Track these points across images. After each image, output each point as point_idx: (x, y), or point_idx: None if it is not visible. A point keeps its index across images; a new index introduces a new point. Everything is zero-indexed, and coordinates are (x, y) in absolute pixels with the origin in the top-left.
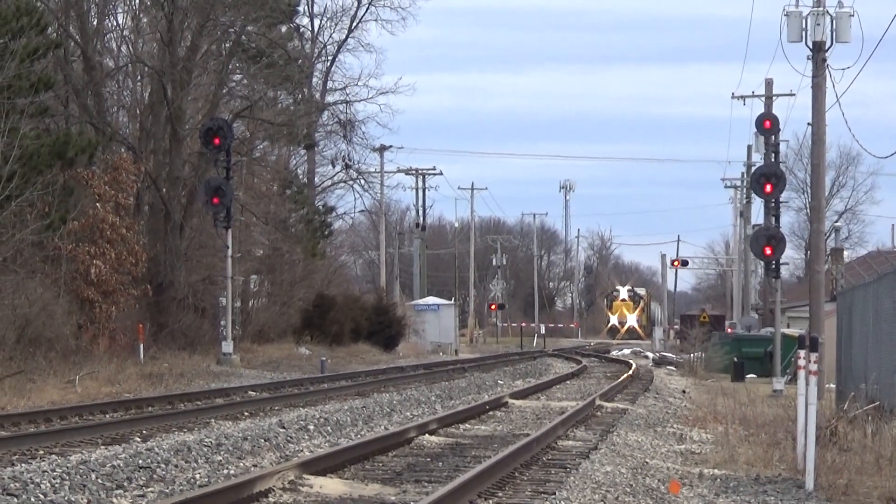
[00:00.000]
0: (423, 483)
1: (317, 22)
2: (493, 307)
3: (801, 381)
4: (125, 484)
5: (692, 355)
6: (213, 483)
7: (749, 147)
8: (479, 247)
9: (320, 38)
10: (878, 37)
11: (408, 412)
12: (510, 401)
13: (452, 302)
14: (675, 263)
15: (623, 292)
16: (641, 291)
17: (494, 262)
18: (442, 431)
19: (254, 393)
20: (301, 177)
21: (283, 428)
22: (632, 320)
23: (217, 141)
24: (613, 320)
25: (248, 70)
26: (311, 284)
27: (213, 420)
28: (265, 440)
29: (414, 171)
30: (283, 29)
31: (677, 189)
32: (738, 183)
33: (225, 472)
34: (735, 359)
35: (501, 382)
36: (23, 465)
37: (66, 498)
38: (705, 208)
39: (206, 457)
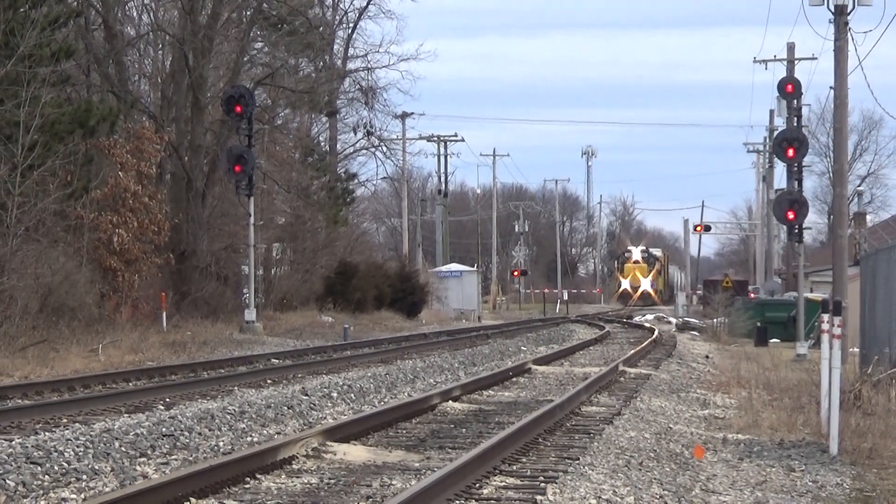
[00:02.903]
0: (447, 450)
1: None
2: (516, 273)
3: (824, 346)
4: (149, 452)
5: (715, 320)
6: (237, 450)
7: (771, 111)
8: (502, 213)
9: (341, 6)
10: None
11: (431, 379)
12: (533, 367)
13: (475, 269)
14: (698, 228)
15: (636, 253)
16: (657, 252)
17: (517, 229)
18: (465, 398)
19: (277, 361)
20: (323, 144)
21: (307, 395)
22: (646, 284)
23: (239, 109)
24: (625, 284)
25: (270, 38)
26: (334, 252)
27: (236, 388)
28: (288, 408)
29: (436, 138)
30: None
31: (700, 154)
32: (761, 147)
33: (248, 439)
34: (758, 324)
35: (524, 349)
36: (46, 433)
37: (89, 466)
38: (728, 173)
39: (229, 424)
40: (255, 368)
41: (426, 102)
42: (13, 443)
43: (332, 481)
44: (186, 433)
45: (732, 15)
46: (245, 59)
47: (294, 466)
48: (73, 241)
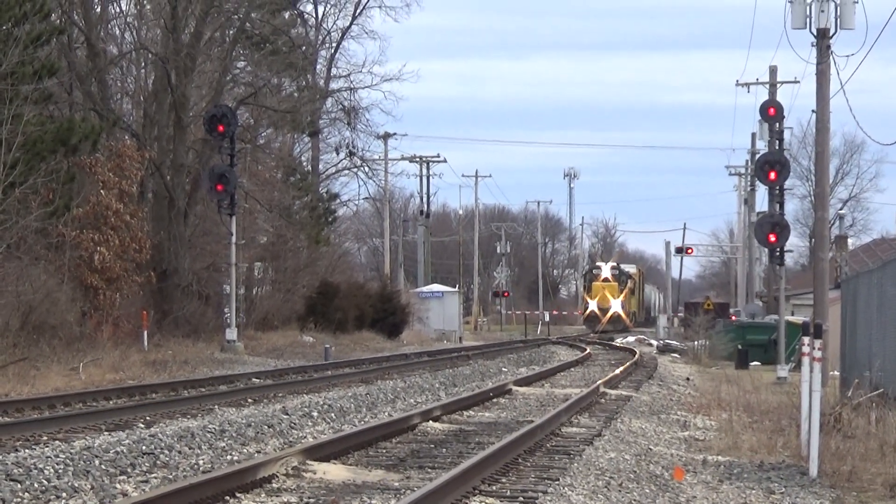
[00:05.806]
0: (427, 469)
1: (321, 9)
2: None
3: (805, 368)
4: (129, 470)
5: (696, 343)
6: (217, 469)
7: (753, 135)
8: (484, 234)
9: (324, 25)
10: (883, 23)
11: (412, 399)
12: (514, 388)
13: (456, 289)
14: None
15: (605, 270)
16: (631, 269)
17: (498, 250)
18: (446, 418)
19: (257, 380)
20: (305, 164)
21: (287, 414)
22: (616, 306)
23: (221, 128)
24: (592, 306)
25: (252, 57)
26: (316, 272)
27: (216, 407)
28: (269, 427)
29: (418, 159)
30: (287, 16)
31: (682, 177)
32: (743, 170)
33: (228, 458)
34: (739, 346)
35: (505, 370)
36: (26, 450)
37: (69, 484)
38: (709, 196)
39: (209, 443)
40: (236, 387)
41: (408, 123)
42: None
43: (312, 500)
44: (166, 451)
45: (715, 38)
46: (227, 78)
47: (274, 485)
48: (54, 258)
